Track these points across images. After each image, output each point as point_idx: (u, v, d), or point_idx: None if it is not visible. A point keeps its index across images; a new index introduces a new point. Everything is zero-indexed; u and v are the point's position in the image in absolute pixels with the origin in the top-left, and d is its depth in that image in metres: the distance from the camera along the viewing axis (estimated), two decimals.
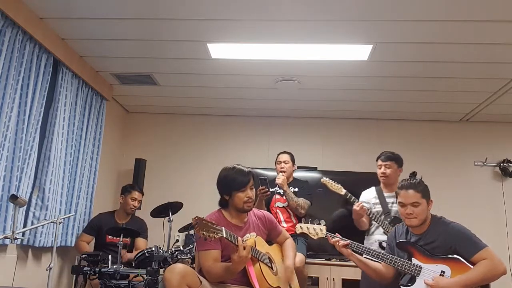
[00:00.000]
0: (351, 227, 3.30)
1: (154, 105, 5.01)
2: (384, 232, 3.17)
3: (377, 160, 3.38)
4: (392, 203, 3.23)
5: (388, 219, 3.17)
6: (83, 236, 3.83)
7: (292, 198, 3.49)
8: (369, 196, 3.35)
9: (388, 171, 3.26)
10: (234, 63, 3.73)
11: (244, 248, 2.15)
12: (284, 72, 3.90)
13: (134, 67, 3.94)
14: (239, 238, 2.20)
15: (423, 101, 4.46)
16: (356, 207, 3.13)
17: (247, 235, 2.44)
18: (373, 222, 3.26)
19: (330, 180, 3.26)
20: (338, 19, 2.96)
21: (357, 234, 3.23)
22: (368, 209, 3.18)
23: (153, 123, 5.25)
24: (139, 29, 3.22)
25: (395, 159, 3.30)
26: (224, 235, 2.14)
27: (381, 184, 3.36)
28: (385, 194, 3.29)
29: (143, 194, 4.09)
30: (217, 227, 2.13)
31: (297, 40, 3.27)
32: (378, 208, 3.25)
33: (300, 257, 3.28)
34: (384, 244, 2.98)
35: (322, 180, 3.28)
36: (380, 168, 3.30)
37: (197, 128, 5.20)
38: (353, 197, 3.21)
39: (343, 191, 3.19)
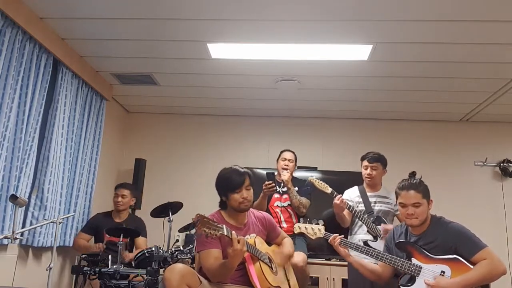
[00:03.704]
0: (339, 227, 3.31)
1: (154, 105, 5.01)
2: (367, 231, 3.22)
3: (362, 160, 3.41)
4: (375, 202, 3.30)
5: (372, 218, 3.22)
6: (81, 235, 3.83)
7: (295, 196, 3.47)
8: (352, 195, 3.39)
9: (374, 172, 3.32)
10: (234, 63, 3.73)
11: (239, 242, 2.14)
12: (284, 72, 3.89)
13: (134, 67, 3.94)
14: (233, 232, 2.19)
15: (423, 101, 4.46)
16: (336, 200, 3.14)
17: (247, 236, 2.44)
18: (357, 221, 3.30)
19: (317, 179, 3.27)
20: (338, 19, 2.96)
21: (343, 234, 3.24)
22: (351, 206, 3.21)
23: (153, 123, 5.25)
24: (139, 29, 3.22)
25: (381, 161, 3.35)
26: (225, 233, 2.14)
27: (364, 184, 3.41)
28: (368, 194, 3.35)
29: (132, 190, 4.03)
30: (218, 225, 2.13)
31: (297, 40, 3.27)
32: (361, 207, 3.29)
33: (302, 256, 3.27)
34: (370, 243, 3.00)
35: (309, 178, 3.30)
36: (366, 169, 3.34)
37: (197, 128, 5.20)
38: (340, 196, 3.22)
39: (329, 190, 3.21)
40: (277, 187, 3.58)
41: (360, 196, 3.35)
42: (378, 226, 3.21)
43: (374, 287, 3.15)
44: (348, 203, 3.19)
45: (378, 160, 3.33)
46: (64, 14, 3.06)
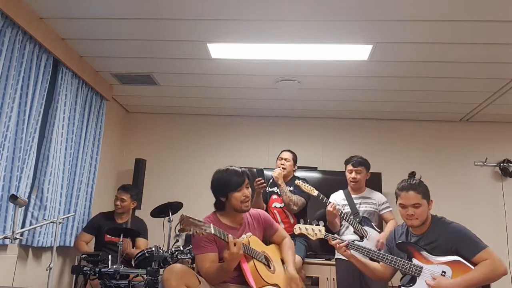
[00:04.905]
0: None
1: (154, 105, 5.01)
2: (354, 232, 3.30)
3: (346, 164, 3.51)
4: (360, 203, 3.42)
5: (358, 219, 3.32)
6: (83, 235, 3.83)
7: (285, 193, 3.46)
8: (337, 198, 3.50)
9: (358, 176, 3.43)
10: (234, 63, 3.73)
11: (235, 245, 2.14)
12: (284, 72, 3.89)
13: (134, 67, 3.94)
14: (230, 235, 2.19)
15: (423, 101, 4.46)
16: (329, 208, 3.23)
17: (243, 236, 2.43)
18: (343, 223, 3.40)
19: (304, 182, 3.33)
20: (338, 19, 2.95)
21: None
22: (342, 212, 3.30)
23: (153, 123, 5.25)
24: (139, 29, 3.22)
25: (365, 164, 3.47)
26: (213, 232, 2.12)
27: (349, 187, 3.52)
28: (353, 196, 3.47)
29: (133, 195, 4.00)
30: (205, 224, 2.12)
31: (297, 40, 3.27)
32: (347, 209, 3.41)
33: (297, 259, 3.27)
34: (357, 243, 3.06)
35: (295, 181, 3.37)
36: (351, 173, 3.46)
37: (197, 128, 5.20)
38: (325, 198, 3.30)
39: (315, 192, 3.27)
40: (275, 188, 3.59)
41: (345, 199, 3.46)
42: (364, 227, 3.29)
43: (364, 287, 3.19)
44: (340, 210, 3.28)
45: (362, 164, 3.45)
46: (64, 14, 3.06)
